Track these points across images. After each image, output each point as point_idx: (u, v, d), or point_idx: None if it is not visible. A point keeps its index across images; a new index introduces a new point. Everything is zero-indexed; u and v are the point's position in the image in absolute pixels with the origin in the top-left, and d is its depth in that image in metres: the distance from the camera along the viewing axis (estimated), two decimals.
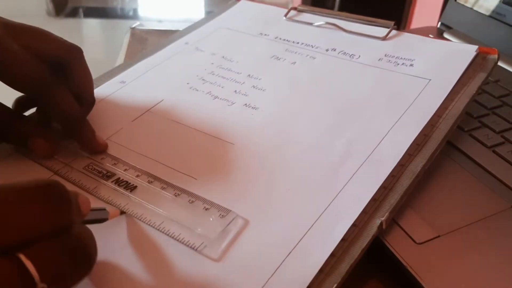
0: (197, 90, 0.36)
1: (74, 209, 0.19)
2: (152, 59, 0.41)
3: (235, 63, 0.39)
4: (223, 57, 0.40)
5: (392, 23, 0.41)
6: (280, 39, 0.42)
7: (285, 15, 0.45)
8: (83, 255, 0.19)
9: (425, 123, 0.31)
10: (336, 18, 0.44)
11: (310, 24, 0.43)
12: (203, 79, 0.38)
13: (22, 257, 0.16)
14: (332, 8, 1.38)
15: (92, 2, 2.56)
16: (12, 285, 0.16)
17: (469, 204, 0.29)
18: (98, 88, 0.37)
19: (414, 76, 0.35)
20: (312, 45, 0.41)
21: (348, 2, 1.35)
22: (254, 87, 0.36)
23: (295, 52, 0.40)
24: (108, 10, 2.51)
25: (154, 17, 2.48)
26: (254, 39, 0.43)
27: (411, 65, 0.36)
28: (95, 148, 0.30)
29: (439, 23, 0.54)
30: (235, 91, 0.36)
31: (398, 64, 0.37)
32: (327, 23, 0.43)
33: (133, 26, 0.60)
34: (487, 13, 0.48)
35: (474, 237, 0.27)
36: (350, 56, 0.39)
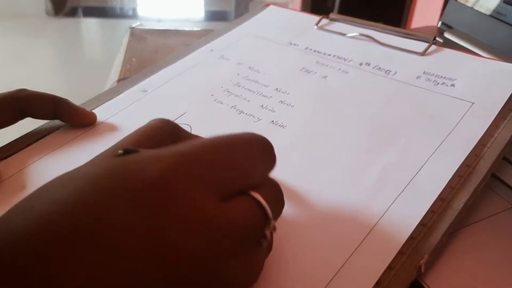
0: (222, 103, 0.35)
1: None
2: (175, 66, 0.39)
3: (262, 75, 0.37)
4: (250, 67, 0.38)
5: (431, 37, 0.38)
6: (311, 50, 0.40)
7: (316, 24, 0.43)
8: (282, 197, 0.22)
9: (468, 152, 0.28)
10: (370, 29, 0.41)
11: (343, 34, 0.41)
12: (228, 91, 0.36)
13: (259, 196, 0.19)
14: (332, 8, 1.35)
15: (91, 2, 2.58)
16: (256, 219, 0.19)
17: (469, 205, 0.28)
18: (119, 96, 0.36)
19: (455, 98, 0.33)
20: (344, 58, 0.38)
21: (348, 2, 1.33)
22: (282, 102, 0.34)
23: (327, 65, 0.38)
24: (108, 10, 2.52)
25: (154, 16, 2.49)
26: (283, 48, 0.41)
27: (452, 85, 0.34)
28: (83, 120, 0.32)
29: (440, 22, 0.53)
30: (262, 106, 0.34)
31: (438, 83, 0.34)
32: (361, 34, 0.40)
33: (133, 25, 0.59)
34: (488, 13, 0.47)
35: (474, 237, 0.27)
36: (385, 72, 0.36)
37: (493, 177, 0.31)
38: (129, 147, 0.20)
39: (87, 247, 0.15)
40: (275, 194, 0.21)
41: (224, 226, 0.17)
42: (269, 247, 0.22)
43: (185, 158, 0.18)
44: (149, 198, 0.17)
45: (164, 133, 0.23)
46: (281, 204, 0.22)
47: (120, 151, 0.19)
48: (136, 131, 0.23)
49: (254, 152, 0.20)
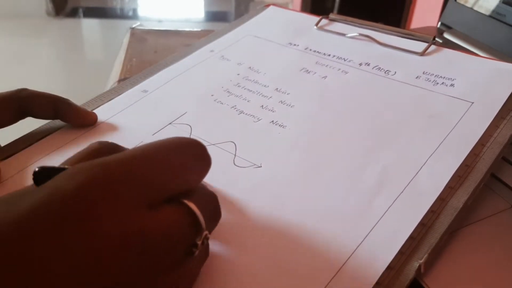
0: (222, 104, 0.35)
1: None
2: (176, 67, 0.39)
3: (262, 75, 0.37)
4: (250, 67, 0.38)
5: (431, 37, 0.38)
6: (311, 50, 0.40)
7: (316, 24, 0.43)
8: (218, 205, 0.21)
9: (468, 151, 0.28)
10: (370, 29, 0.41)
11: (343, 35, 0.41)
12: (229, 91, 0.36)
13: (191, 203, 0.18)
14: (332, 8, 1.36)
15: (91, 2, 2.58)
16: (185, 231, 0.18)
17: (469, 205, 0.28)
18: (119, 96, 0.36)
19: (455, 98, 0.33)
20: (344, 58, 0.38)
21: (348, 3, 1.33)
22: (281, 103, 0.34)
23: (326, 65, 0.38)
24: (108, 10, 2.53)
25: (154, 17, 2.50)
26: (283, 49, 0.41)
27: (452, 85, 0.34)
28: (83, 120, 0.32)
29: (439, 23, 0.53)
30: (262, 106, 0.34)
31: (438, 83, 0.34)
32: (361, 34, 0.40)
33: (133, 26, 0.59)
34: (487, 13, 0.47)
35: (474, 237, 0.27)
36: (385, 72, 0.36)
37: (493, 177, 0.31)
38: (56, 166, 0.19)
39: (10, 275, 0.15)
40: (210, 202, 0.21)
41: (149, 236, 0.17)
42: (204, 255, 0.21)
43: (106, 167, 0.17)
44: (66, 216, 0.16)
45: (100, 153, 0.21)
46: (217, 213, 0.21)
47: (35, 168, 0.18)
48: (74, 154, 0.22)
49: (185, 157, 0.20)
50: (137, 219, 0.17)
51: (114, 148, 0.22)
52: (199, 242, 0.18)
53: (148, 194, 0.18)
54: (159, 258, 0.17)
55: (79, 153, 0.22)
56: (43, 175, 0.18)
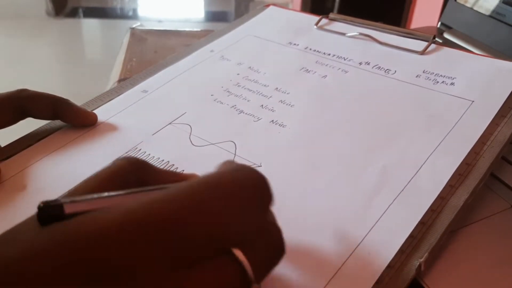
0: (222, 103, 0.35)
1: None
2: (175, 67, 0.39)
3: (262, 75, 0.37)
4: (250, 67, 0.38)
5: (431, 36, 0.38)
6: (311, 49, 0.40)
7: (316, 24, 0.43)
8: (280, 251, 0.18)
9: (468, 150, 0.28)
10: (370, 28, 0.41)
11: (343, 34, 0.41)
12: (228, 91, 0.36)
13: (240, 255, 0.15)
14: (332, 8, 1.35)
15: (92, 2, 2.58)
16: (232, 285, 0.15)
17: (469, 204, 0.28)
18: (119, 96, 0.36)
19: (455, 97, 0.33)
20: (344, 58, 0.38)
21: (348, 3, 1.33)
22: (281, 102, 0.34)
23: (326, 65, 0.38)
24: (108, 10, 2.53)
25: (154, 17, 2.49)
26: (283, 49, 0.41)
27: (452, 83, 0.34)
28: (83, 120, 0.32)
29: (439, 23, 0.53)
30: (262, 105, 0.34)
31: (438, 82, 0.34)
32: (361, 33, 0.40)
33: (133, 26, 0.59)
34: (487, 13, 0.47)
35: (474, 237, 0.27)
36: (385, 71, 0.36)
37: (493, 177, 0.31)
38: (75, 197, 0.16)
39: None
40: (271, 245, 0.17)
41: None
42: None
43: (122, 226, 0.14)
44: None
45: (128, 173, 0.19)
46: (278, 255, 0.17)
47: (40, 204, 0.16)
48: (97, 174, 0.19)
49: (243, 200, 0.16)
50: (176, 280, 0.14)
51: (143, 166, 0.20)
52: None
53: (192, 251, 0.15)
54: None
55: (102, 171, 0.19)
56: (48, 211, 0.16)
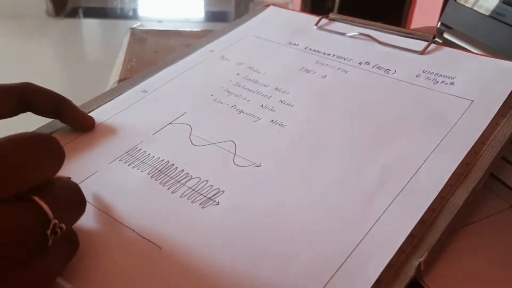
0: (222, 103, 0.35)
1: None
2: (175, 67, 0.39)
3: (262, 75, 0.38)
4: (250, 67, 0.38)
5: (431, 36, 0.38)
6: (310, 49, 0.40)
7: (316, 24, 0.43)
8: (78, 196, 0.22)
9: (468, 150, 0.28)
10: (370, 28, 0.41)
11: (343, 34, 0.41)
12: (228, 91, 0.36)
13: (37, 198, 0.19)
14: (331, 8, 1.36)
15: (92, 2, 2.58)
16: (30, 224, 0.18)
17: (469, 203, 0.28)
18: (119, 97, 0.36)
19: (455, 96, 0.33)
20: (344, 57, 0.38)
21: (348, 3, 1.33)
22: (281, 102, 0.34)
23: (326, 65, 0.38)
24: (108, 11, 2.53)
25: (154, 17, 2.49)
26: (283, 49, 0.41)
27: (452, 83, 0.34)
28: (82, 123, 0.32)
29: (439, 23, 0.53)
30: (262, 105, 0.34)
31: (438, 82, 0.34)
32: (361, 33, 0.40)
33: (133, 26, 0.59)
34: (487, 13, 0.46)
35: (474, 237, 0.27)
36: (385, 71, 0.36)
37: (492, 177, 0.31)
38: None
39: None
40: (66, 192, 0.21)
41: None
42: (65, 250, 0.21)
43: None
44: None
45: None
46: (76, 203, 0.21)
47: None
48: None
49: (33, 151, 0.19)
50: None
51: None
52: (48, 232, 0.19)
53: None
54: (3, 254, 0.17)
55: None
56: None
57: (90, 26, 2.43)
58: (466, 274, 0.25)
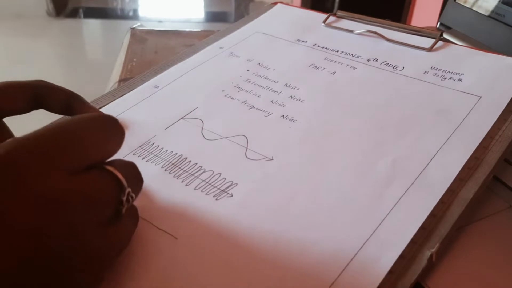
0: (233, 99, 0.35)
1: None
2: (186, 63, 0.40)
3: (271, 71, 0.38)
4: (259, 64, 0.39)
5: (438, 33, 0.39)
6: (319, 46, 0.40)
7: (324, 21, 0.43)
8: (138, 173, 0.23)
9: (477, 144, 0.29)
10: (377, 25, 0.42)
11: (351, 31, 0.42)
12: (239, 87, 0.36)
13: (112, 168, 0.21)
14: (332, 7, 1.36)
15: (92, 3, 2.58)
16: (111, 187, 0.20)
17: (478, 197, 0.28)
18: (131, 92, 0.36)
19: (463, 92, 0.33)
20: (352, 54, 0.39)
21: (347, 2, 1.33)
22: (291, 98, 0.35)
23: (335, 61, 0.38)
24: (108, 11, 2.53)
25: (154, 17, 2.50)
26: (292, 45, 0.41)
27: (460, 79, 0.34)
28: None
29: (439, 23, 0.53)
30: (272, 101, 0.35)
31: (446, 78, 0.35)
32: (369, 31, 0.41)
33: (134, 26, 0.60)
34: (487, 13, 0.47)
35: (474, 237, 0.27)
36: (393, 68, 0.37)
37: (493, 177, 0.31)
38: None
39: None
40: (130, 168, 0.23)
41: (73, 198, 0.18)
42: (133, 218, 0.23)
43: (25, 142, 0.19)
44: None
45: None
46: (138, 177, 0.23)
47: None
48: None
49: (99, 129, 0.21)
50: (61, 181, 0.18)
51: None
52: (124, 199, 0.21)
53: (67, 163, 0.19)
54: (87, 215, 0.19)
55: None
56: None
57: (90, 26, 2.43)
58: (466, 273, 0.25)
